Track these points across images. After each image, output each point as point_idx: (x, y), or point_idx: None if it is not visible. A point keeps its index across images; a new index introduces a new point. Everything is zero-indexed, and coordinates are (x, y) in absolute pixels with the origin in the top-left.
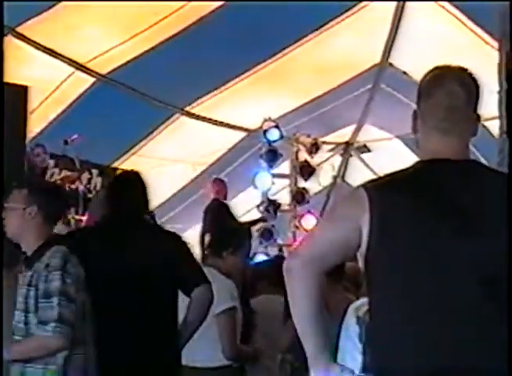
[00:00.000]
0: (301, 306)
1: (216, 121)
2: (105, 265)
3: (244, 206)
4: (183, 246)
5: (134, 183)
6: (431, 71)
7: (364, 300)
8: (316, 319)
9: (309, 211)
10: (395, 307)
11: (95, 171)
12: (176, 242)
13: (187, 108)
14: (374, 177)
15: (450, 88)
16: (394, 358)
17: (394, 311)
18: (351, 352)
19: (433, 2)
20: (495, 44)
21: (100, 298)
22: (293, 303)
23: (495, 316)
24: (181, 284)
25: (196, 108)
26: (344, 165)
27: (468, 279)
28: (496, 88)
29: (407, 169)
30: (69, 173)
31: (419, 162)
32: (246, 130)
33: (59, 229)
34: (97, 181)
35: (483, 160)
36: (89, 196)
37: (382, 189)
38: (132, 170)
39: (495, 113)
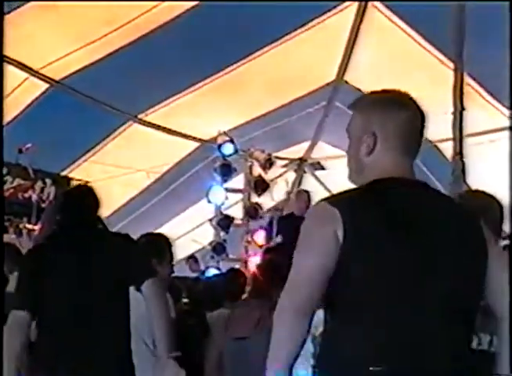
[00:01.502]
0: (283, 350)
1: (170, 129)
2: (61, 277)
3: (196, 219)
4: (133, 245)
5: (85, 195)
6: (385, 94)
7: (320, 317)
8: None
9: (262, 227)
10: (363, 328)
11: (48, 181)
12: (127, 243)
13: (140, 116)
14: (327, 194)
15: (413, 112)
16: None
17: (363, 332)
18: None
19: (389, 22)
20: (451, 64)
21: (57, 306)
22: (278, 346)
23: (460, 341)
24: (131, 281)
25: (150, 116)
26: (298, 181)
27: (437, 307)
28: (450, 105)
29: (366, 187)
30: (22, 182)
31: (376, 181)
32: (199, 140)
33: (10, 238)
34: (50, 190)
35: (436, 182)
36: (42, 205)
37: (350, 204)
38: (85, 183)
39: (449, 134)
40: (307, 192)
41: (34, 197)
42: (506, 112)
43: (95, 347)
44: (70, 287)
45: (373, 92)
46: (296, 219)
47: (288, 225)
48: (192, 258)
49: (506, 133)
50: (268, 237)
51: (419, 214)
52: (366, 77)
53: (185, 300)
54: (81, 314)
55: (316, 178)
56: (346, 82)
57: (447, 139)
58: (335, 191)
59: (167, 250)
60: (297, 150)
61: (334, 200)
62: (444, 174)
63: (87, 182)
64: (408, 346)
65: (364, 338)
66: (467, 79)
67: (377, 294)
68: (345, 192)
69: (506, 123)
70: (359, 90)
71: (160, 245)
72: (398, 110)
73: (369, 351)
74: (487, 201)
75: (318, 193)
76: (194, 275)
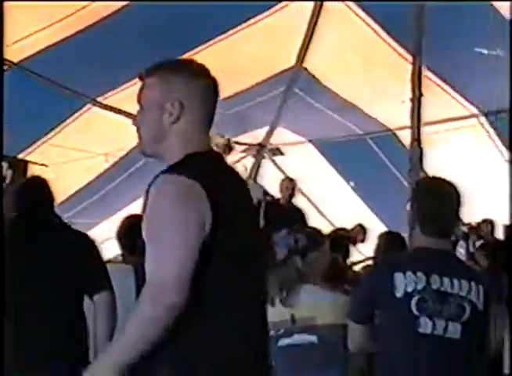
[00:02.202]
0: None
1: (130, 113)
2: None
3: None
4: (89, 245)
5: (38, 187)
6: (185, 62)
7: None
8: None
9: None
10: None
11: (4, 164)
12: (82, 241)
13: (100, 99)
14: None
15: (213, 82)
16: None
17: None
18: None
19: (349, 11)
20: (409, 57)
21: (8, 298)
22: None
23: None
24: (84, 286)
25: (110, 99)
26: (257, 167)
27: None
28: (408, 95)
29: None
30: None
31: (191, 155)
32: None
33: None
34: (7, 173)
35: (394, 169)
36: None
37: (210, 181)
38: (38, 176)
39: (407, 122)
40: (292, 180)
41: None
42: (463, 101)
43: (28, 343)
44: (15, 281)
45: (169, 61)
46: (282, 208)
47: (272, 212)
48: None
49: (462, 123)
50: None
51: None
52: (325, 65)
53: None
54: (22, 309)
55: (275, 163)
56: (305, 69)
57: (405, 127)
58: (294, 176)
59: None
60: (256, 136)
61: (194, 175)
62: (402, 161)
63: (43, 165)
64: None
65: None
66: (426, 72)
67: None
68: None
69: (462, 112)
70: (317, 79)
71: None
72: (203, 79)
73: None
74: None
75: (277, 179)
76: None
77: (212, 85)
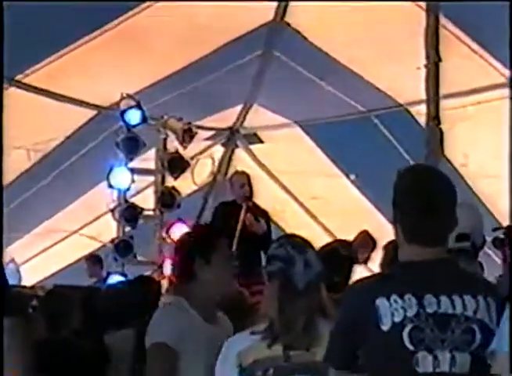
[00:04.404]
0: None
1: (56, 94)
2: None
3: (93, 209)
4: None
5: None
6: None
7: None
8: None
9: (180, 219)
10: None
11: None
12: None
13: (18, 77)
14: (264, 175)
15: None
16: None
17: None
18: None
19: None
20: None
21: None
22: None
23: None
24: None
25: (30, 77)
26: (228, 159)
27: None
28: (422, 61)
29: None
30: None
31: None
32: (96, 107)
33: None
34: None
35: (406, 155)
36: None
37: None
38: None
39: (422, 95)
40: (245, 173)
41: None
42: (499, 66)
43: None
44: None
45: None
46: (237, 208)
47: (226, 214)
48: (93, 258)
49: (498, 93)
50: None
51: None
52: (314, 19)
53: (77, 316)
54: None
55: (251, 153)
56: (288, 25)
57: (420, 102)
58: (274, 170)
59: None
60: (226, 118)
61: None
62: (416, 145)
63: None
64: None
65: None
66: (445, 23)
67: None
68: None
69: (499, 80)
70: (304, 37)
71: None
72: None
73: None
74: None
75: (254, 174)
76: (92, 282)
77: None
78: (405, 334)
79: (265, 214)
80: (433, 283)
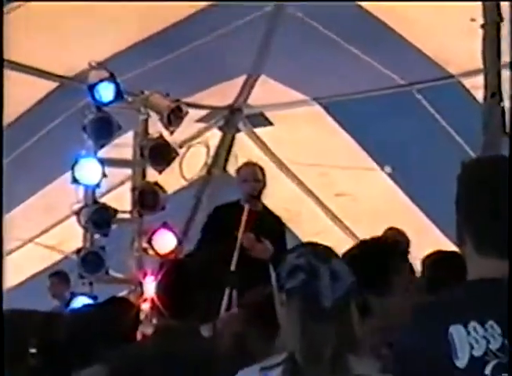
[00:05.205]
0: None
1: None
2: None
3: (53, 211)
4: None
5: None
6: None
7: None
8: None
9: (165, 224)
10: None
11: None
12: None
13: None
14: (274, 167)
15: None
16: None
17: None
18: None
19: None
20: None
21: None
22: None
23: None
24: None
25: None
26: (227, 146)
27: None
28: (479, 21)
29: None
30: None
31: None
32: (57, 77)
33: None
34: None
35: (459, 138)
36: None
37: None
38: None
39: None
40: (255, 165)
41: None
42: None
43: None
44: None
45: None
46: (239, 211)
47: (225, 221)
48: (58, 275)
49: None
50: (179, 241)
51: None
52: None
53: (33, 350)
54: None
55: (257, 140)
56: None
57: (476, 72)
58: (287, 161)
59: None
60: (224, 93)
61: None
62: (471, 126)
63: None
64: None
65: None
66: None
67: None
68: None
69: None
70: None
71: None
72: None
73: None
74: None
75: (262, 165)
76: (53, 306)
77: None
78: (487, 372)
79: (277, 222)
80: None
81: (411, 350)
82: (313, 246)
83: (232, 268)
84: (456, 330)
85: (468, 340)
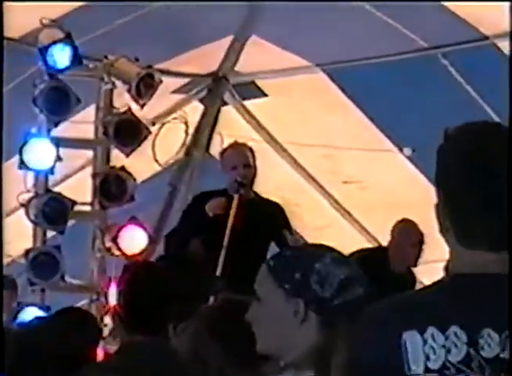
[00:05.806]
0: None
1: None
2: None
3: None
4: None
5: None
6: None
7: None
8: None
9: (133, 219)
10: None
11: None
12: None
13: None
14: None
15: None
16: None
17: None
18: None
19: None
20: None
21: None
22: None
23: None
24: None
25: None
26: (210, 123)
27: None
28: None
29: None
30: None
31: None
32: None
33: None
34: None
35: (491, 112)
36: None
37: None
38: None
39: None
40: (244, 146)
41: None
42: None
43: None
44: None
45: None
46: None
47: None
48: (4, 282)
49: None
50: (150, 239)
51: None
52: None
53: None
54: None
55: (248, 114)
56: None
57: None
58: (283, 141)
59: None
60: (207, 57)
61: None
62: (507, 98)
63: None
64: None
65: None
66: None
67: None
68: None
69: None
70: None
71: None
72: None
73: None
74: None
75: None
76: None
77: None
78: None
79: (277, 208)
80: (498, 310)
81: (357, 363)
82: (328, 249)
83: (218, 272)
84: (410, 338)
85: (423, 349)
